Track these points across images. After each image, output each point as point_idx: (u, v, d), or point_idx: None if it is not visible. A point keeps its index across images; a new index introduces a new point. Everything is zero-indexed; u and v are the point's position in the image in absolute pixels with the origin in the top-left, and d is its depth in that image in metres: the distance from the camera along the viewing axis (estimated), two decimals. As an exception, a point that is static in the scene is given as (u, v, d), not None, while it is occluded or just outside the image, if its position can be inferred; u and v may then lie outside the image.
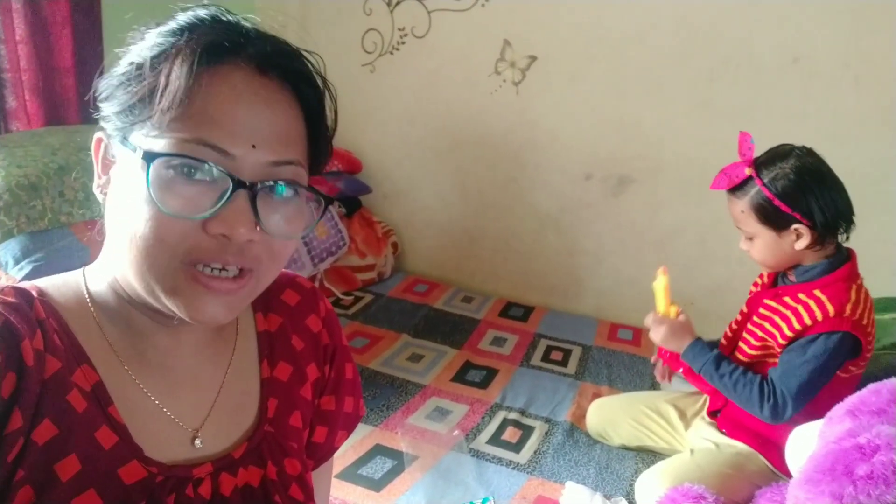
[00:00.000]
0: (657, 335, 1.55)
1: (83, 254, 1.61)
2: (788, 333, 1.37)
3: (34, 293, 0.58)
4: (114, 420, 0.58)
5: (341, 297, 2.55)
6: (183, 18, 0.57)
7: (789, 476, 1.17)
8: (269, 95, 0.57)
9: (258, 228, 0.55)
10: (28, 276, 1.50)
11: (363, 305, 2.52)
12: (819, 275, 1.39)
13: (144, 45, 0.56)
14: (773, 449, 1.43)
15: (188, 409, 0.64)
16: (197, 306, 0.56)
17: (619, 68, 2.41)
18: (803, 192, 1.33)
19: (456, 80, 2.69)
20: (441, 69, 2.70)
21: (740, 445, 1.49)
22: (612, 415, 1.75)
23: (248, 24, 0.59)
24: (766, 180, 1.34)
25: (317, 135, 0.62)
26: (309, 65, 0.61)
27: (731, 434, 1.52)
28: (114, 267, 0.60)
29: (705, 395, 1.67)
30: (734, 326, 1.59)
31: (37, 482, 0.53)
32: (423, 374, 2.06)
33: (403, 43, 2.74)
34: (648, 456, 1.68)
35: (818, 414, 1.31)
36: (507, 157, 2.69)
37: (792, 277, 1.45)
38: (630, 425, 1.71)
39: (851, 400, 0.87)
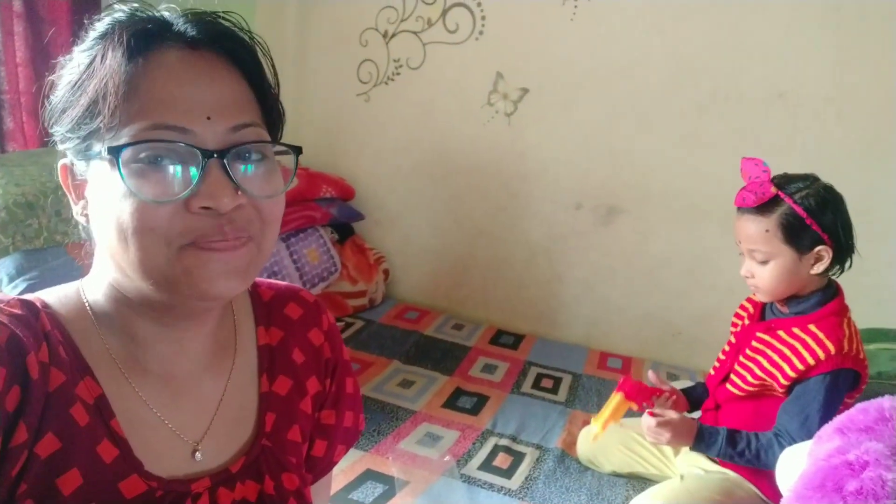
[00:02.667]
0: (662, 439, 1.45)
1: (77, 273, 1.60)
2: (791, 374, 1.36)
3: (39, 305, 0.59)
4: (115, 434, 0.58)
5: (332, 322, 2.55)
6: (101, 25, 0.58)
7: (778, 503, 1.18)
8: (208, 67, 0.57)
9: (239, 193, 0.56)
10: (22, 294, 1.49)
11: (354, 331, 2.52)
12: (812, 308, 1.40)
13: (74, 62, 0.57)
14: (762, 477, 1.43)
15: (189, 422, 0.64)
16: (208, 278, 0.56)
17: (608, 101, 2.47)
18: (831, 210, 1.33)
19: (449, 110, 2.74)
20: (435, 100, 2.75)
21: (730, 472, 1.50)
22: (603, 441, 1.75)
23: (166, 12, 0.59)
24: (796, 198, 1.32)
25: (264, 95, 0.62)
26: (236, 28, 0.61)
27: (722, 462, 1.52)
28: (111, 276, 0.60)
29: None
30: (723, 357, 1.60)
31: (39, 496, 0.53)
32: (413, 399, 2.05)
33: (398, 74, 2.80)
34: (639, 482, 1.68)
35: None
36: (498, 186, 2.73)
37: (784, 309, 1.45)
38: (621, 452, 1.71)
39: (840, 419, 0.89)
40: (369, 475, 1.63)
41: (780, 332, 1.42)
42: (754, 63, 2.26)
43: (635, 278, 2.60)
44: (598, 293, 2.67)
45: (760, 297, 1.47)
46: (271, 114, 0.63)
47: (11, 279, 1.51)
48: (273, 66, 0.63)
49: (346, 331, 2.51)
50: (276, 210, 0.61)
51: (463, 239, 2.87)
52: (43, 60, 1.99)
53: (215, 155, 0.55)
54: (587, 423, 1.94)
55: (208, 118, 0.55)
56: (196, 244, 0.55)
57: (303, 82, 2.98)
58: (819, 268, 1.35)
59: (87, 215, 0.60)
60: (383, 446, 1.77)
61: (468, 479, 1.66)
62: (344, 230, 2.86)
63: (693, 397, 1.65)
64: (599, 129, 2.51)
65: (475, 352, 2.45)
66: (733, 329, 1.60)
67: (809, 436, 1.30)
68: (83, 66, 0.56)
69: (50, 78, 0.59)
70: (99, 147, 0.55)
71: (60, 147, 0.59)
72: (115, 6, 0.58)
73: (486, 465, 1.73)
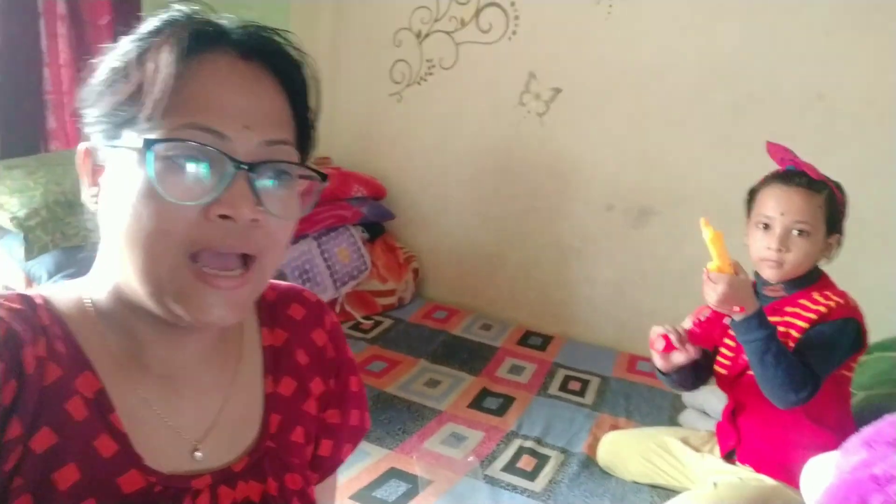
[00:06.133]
0: (713, 294, 1.34)
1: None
2: (803, 325, 1.40)
3: (38, 300, 0.59)
4: (115, 428, 0.58)
5: (361, 320, 2.58)
6: (156, 21, 0.58)
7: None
8: (256, 79, 0.58)
9: (260, 209, 0.56)
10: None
11: (382, 330, 2.54)
12: (806, 283, 1.44)
13: (122, 49, 0.57)
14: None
15: (190, 421, 0.64)
16: (203, 308, 0.56)
17: (641, 101, 2.44)
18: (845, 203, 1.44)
19: (481, 110, 2.74)
20: (467, 100, 2.76)
21: (766, 479, 1.45)
22: (622, 450, 1.73)
23: (224, 20, 0.59)
24: (835, 184, 1.42)
25: (303, 118, 0.63)
26: (290, 47, 0.61)
27: (758, 468, 1.47)
28: (114, 274, 0.59)
29: (715, 437, 1.64)
30: (730, 354, 1.53)
31: (35, 491, 0.53)
32: (439, 399, 2.06)
33: (431, 74, 2.81)
34: (664, 491, 1.66)
35: (827, 420, 1.38)
36: (529, 186, 2.72)
37: (780, 292, 1.47)
38: (639, 463, 1.68)
39: (867, 431, 0.87)
40: (393, 473, 1.64)
41: (788, 308, 1.45)
42: (792, 64, 2.20)
43: (667, 282, 2.56)
44: (629, 296, 2.64)
45: (778, 273, 1.43)
46: (304, 138, 0.64)
47: (51, 275, 1.56)
48: (318, 92, 0.64)
49: (374, 329, 2.53)
50: (286, 233, 0.61)
51: (492, 239, 2.86)
52: (85, 62, 2.06)
53: (245, 167, 0.55)
54: (614, 427, 1.92)
55: (246, 127, 0.56)
56: (199, 268, 0.55)
57: (337, 82, 3.01)
58: (833, 253, 1.44)
59: (97, 203, 0.59)
60: (408, 445, 1.78)
61: (491, 481, 1.66)
62: (374, 229, 2.88)
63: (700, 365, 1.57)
64: (632, 130, 2.48)
65: (502, 352, 2.45)
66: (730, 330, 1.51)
67: (824, 373, 1.34)
68: (132, 56, 0.56)
69: (93, 61, 0.59)
70: (129, 136, 0.55)
71: (89, 130, 0.59)
72: (174, 6, 0.59)
73: (510, 467, 1.73)
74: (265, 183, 0.57)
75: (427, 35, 2.78)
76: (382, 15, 2.85)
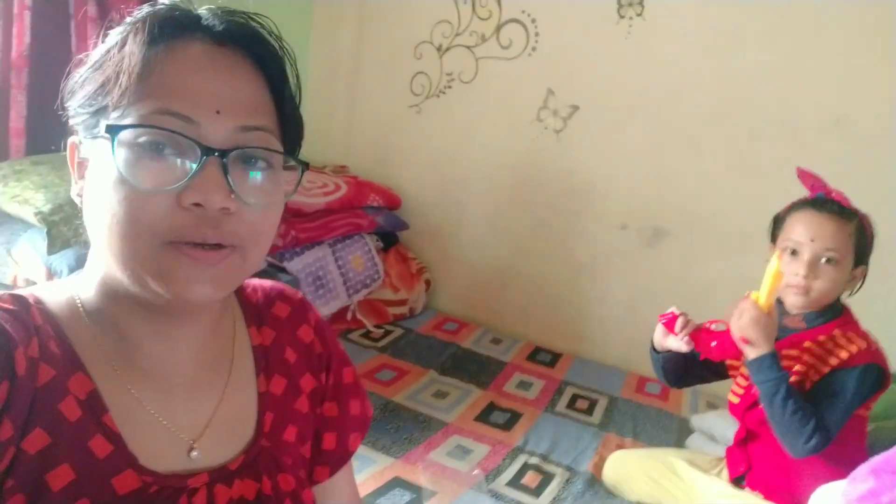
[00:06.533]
0: (736, 316, 1.36)
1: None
2: (823, 368, 1.37)
3: (31, 300, 0.58)
4: (108, 429, 0.57)
5: (372, 329, 2.59)
6: (137, 13, 0.58)
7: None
8: (230, 64, 0.57)
9: (233, 196, 0.54)
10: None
11: (393, 339, 2.55)
12: (828, 320, 1.41)
13: (104, 44, 0.58)
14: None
15: (185, 420, 0.63)
16: (185, 284, 0.55)
17: (658, 122, 2.45)
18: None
19: (499, 124, 2.76)
20: (485, 114, 2.78)
21: None
22: (628, 470, 1.72)
23: (203, 11, 0.58)
24: (863, 214, 1.40)
25: (283, 104, 0.61)
26: (266, 33, 0.60)
27: (768, 496, 1.46)
28: (100, 267, 0.59)
29: (723, 461, 1.63)
30: (745, 383, 1.52)
31: (29, 492, 0.53)
32: (447, 411, 2.06)
33: (450, 87, 2.84)
34: (670, 512, 1.65)
35: (841, 454, 1.33)
36: (544, 202, 2.73)
37: (801, 324, 1.44)
38: (646, 483, 1.67)
39: (875, 460, 0.87)
40: (397, 483, 1.64)
41: (806, 344, 1.42)
42: (809, 89, 2.21)
43: (679, 303, 2.51)
44: (640, 316, 2.63)
45: (804, 301, 1.41)
46: (288, 124, 0.62)
47: (71, 270, 1.59)
48: (297, 76, 0.62)
49: (385, 338, 2.54)
50: (267, 222, 0.60)
51: (505, 253, 2.87)
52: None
53: (216, 153, 0.54)
54: (621, 447, 1.92)
55: (217, 112, 0.55)
56: (177, 245, 0.54)
57: (357, 92, 3.05)
58: (855, 286, 1.41)
59: (82, 196, 0.59)
60: (413, 455, 1.78)
61: (496, 495, 1.66)
62: (389, 238, 2.90)
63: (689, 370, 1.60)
64: (648, 150, 2.49)
65: (511, 367, 2.45)
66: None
67: (836, 422, 1.32)
68: (108, 46, 0.56)
69: (78, 57, 0.59)
70: (103, 125, 0.54)
71: (71, 122, 0.59)
72: (158, 0, 0.59)
73: (515, 483, 1.73)
74: (241, 170, 0.56)
75: (448, 49, 2.81)
76: (404, 28, 2.88)
